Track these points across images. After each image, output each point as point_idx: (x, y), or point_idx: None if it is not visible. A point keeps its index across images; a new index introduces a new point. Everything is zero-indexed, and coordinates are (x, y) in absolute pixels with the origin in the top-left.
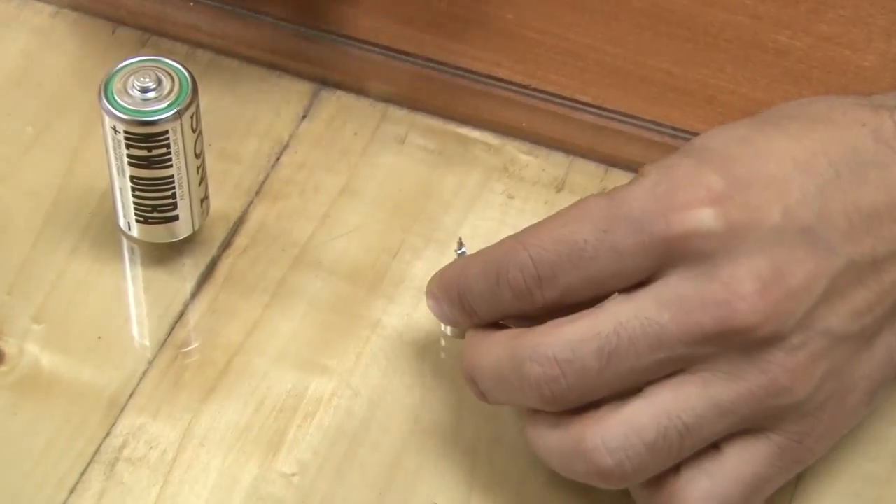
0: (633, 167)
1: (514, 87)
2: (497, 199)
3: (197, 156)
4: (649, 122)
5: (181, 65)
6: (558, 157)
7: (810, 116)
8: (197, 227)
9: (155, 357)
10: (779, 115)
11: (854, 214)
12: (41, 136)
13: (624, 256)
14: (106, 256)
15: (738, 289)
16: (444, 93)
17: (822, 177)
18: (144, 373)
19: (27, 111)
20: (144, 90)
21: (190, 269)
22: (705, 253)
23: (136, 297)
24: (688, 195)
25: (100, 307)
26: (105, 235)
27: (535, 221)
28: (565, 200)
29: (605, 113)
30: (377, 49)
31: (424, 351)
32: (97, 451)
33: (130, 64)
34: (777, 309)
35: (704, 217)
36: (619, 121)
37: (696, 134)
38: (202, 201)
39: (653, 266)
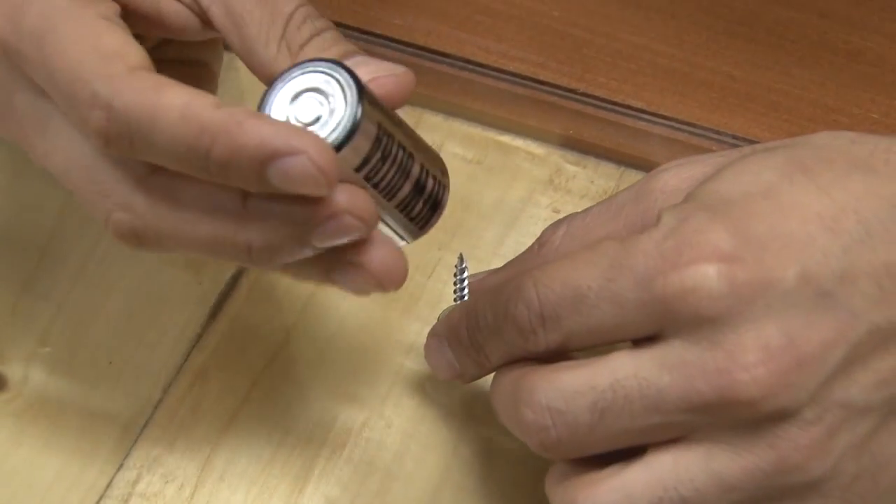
0: None
1: (560, 91)
2: (542, 214)
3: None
4: (708, 129)
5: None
6: (608, 168)
7: (849, 162)
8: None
9: (171, 383)
10: (816, 156)
11: (884, 277)
12: None
13: (625, 310)
14: (115, 275)
15: (741, 358)
16: (484, 97)
17: (849, 236)
18: (160, 401)
19: None
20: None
21: (208, 286)
22: (708, 316)
23: (149, 318)
24: (693, 253)
25: (110, 329)
26: (114, 253)
27: None
28: None
29: (659, 120)
30: (409, 49)
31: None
32: (109, 485)
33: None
34: (785, 381)
35: (706, 278)
36: (675, 128)
37: (756, 142)
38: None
39: (655, 324)
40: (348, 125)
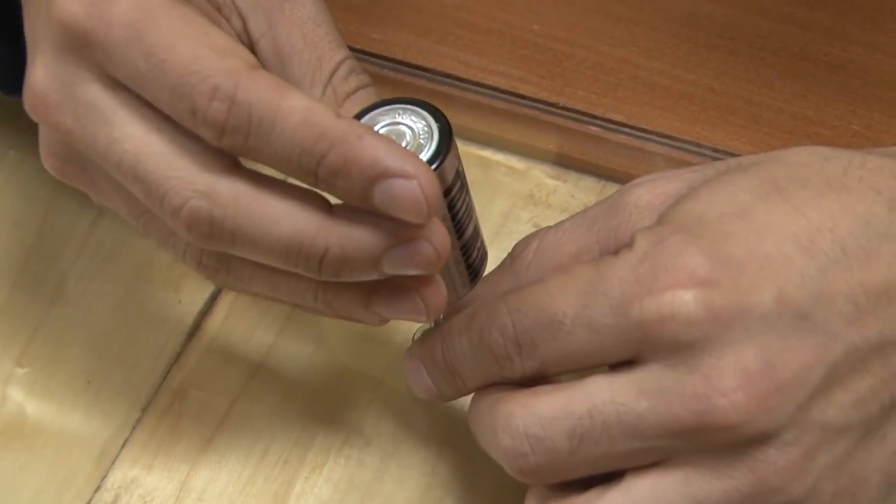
0: None
1: (540, 106)
2: (522, 229)
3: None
4: (688, 142)
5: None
6: (589, 182)
7: (823, 180)
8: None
9: (149, 403)
10: (790, 175)
11: (860, 295)
12: (24, 162)
13: (602, 336)
14: (94, 293)
15: (719, 383)
16: (464, 111)
17: (825, 256)
18: (138, 420)
19: (8, 133)
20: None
21: (187, 305)
22: (686, 341)
23: (127, 338)
24: (669, 278)
25: (89, 348)
26: (93, 271)
27: None
28: None
29: (639, 133)
30: (389, 63)
31: None
32: None
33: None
34: (764, 405)
35: (683, 302)
36: (656, 142)
37: (737, 155)
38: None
39: (632, 348)
40: (443, 149)
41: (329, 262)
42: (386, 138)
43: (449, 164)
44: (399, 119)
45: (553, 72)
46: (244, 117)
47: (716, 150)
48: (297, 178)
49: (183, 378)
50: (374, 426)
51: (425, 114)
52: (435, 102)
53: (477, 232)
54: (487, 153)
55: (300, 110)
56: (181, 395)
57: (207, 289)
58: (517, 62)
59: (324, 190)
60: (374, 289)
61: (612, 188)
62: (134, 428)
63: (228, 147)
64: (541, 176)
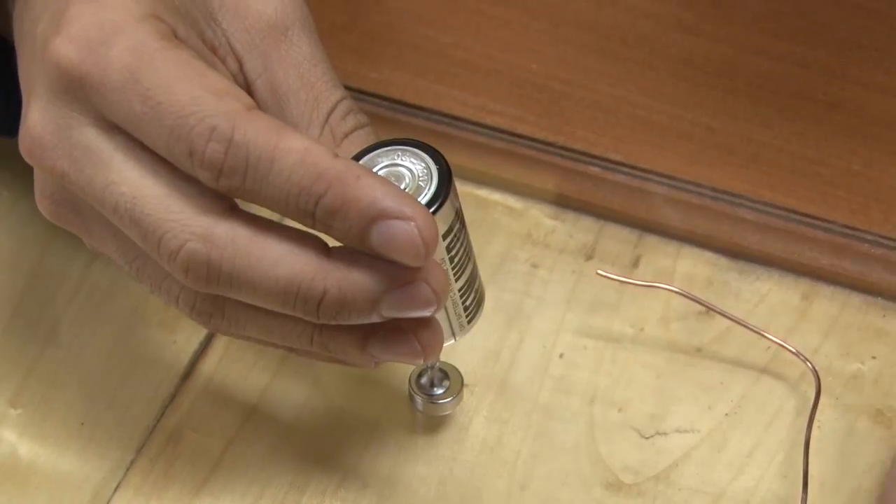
0: (669, 233)
1: (538, 145)
2: (520, 269)
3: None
4: (687, 182)
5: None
6: (587, 222)
7: None
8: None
9: (143, 445)
10: None
11: None
12: (17, 204)
13: None
14: (88, 335)
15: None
16: (461, 151)
17: None
18: (132, 462)
19: (3, 175)
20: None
21: (182, 345)
22: None
23: (121, 379)
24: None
25: (82, 390)
26: (87, 313)
27: (562, 293)
28: (595, 269)
29: (638, 173)
30: (385, 102)
31: (442, 437)
32: None
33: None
34: None
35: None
36: (654, 181)
37: (738, 196)
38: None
39: None
40: (442, 191)
41: (327, 304)
42: (384, 179)
43: (448, 206)
44: (398, 161)
45: (551, 111)
46: (241, 158)
47: (715, 190)
48: (294, 219)
49: (177, 420)
50: (370, 469)
51: (425, 155)
52: (432, 142)
53: (475, 273)
54: (485, 192)
55: (298, 151)
56: (175, 437)
57: (202, 330)
58: (515, 101)
59: (321, 231)
60: (371, 331)
61: (610, 228)
62: (128, 470)
63: (226, 189)
64: (539, 216)
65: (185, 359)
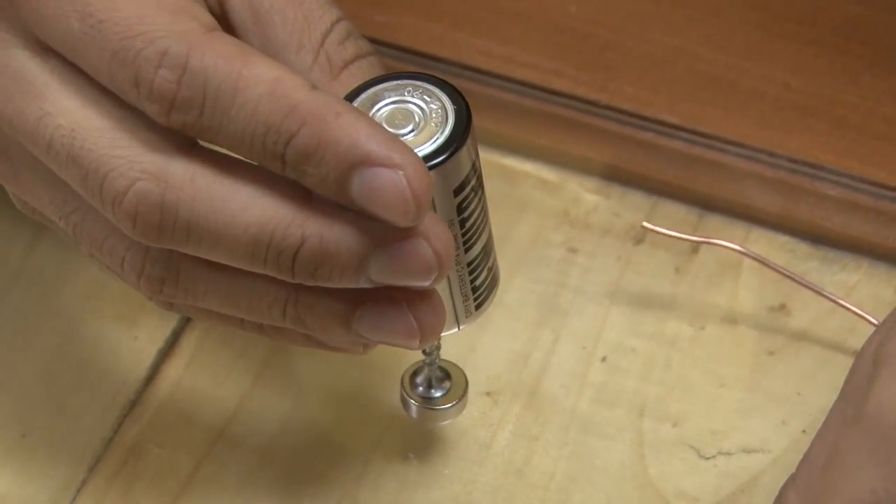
0: (736, 212)
1: (577, 104)
2: (555, 254)
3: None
4: (759, 150)
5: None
6: (637, 199)
7: None
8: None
9: (97, 462)
10: None
11: None
12: None
13: None
14: (30, 329)
15: None
16: (485, 111)
17: None
18: (83, 482)
19: None
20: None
21: (144, 342)
22: None
23: (71, 383)
24: None
25: (24, 395)
26: (29, 303)
27: (605, 283)
28: (646, 256)
29: (699, 139)
30: (393, 51)
31: (458, 456)
32: None
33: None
34: None
35: None
36: (719, 149)
37: (820, 168)
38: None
39: None
40: (459, 136)
41: (305, 256)
42: (369, 118)
43: (464, 155)
44: (408, 97)
45: (594, 64)
46: (198, 89)
47: (792, 160)
48: (261, 162)
49: (138, 432)
50: (372, 490)
51: (440, 93)
52: None
53: (489, 248)
54: (513, 162)
55: (266, 80)
56: (136, 452)
57: (168, 325)
58: (550, 51)
59: (294, 178)
60: (357, 302)
61: (665, 206)
62: (78, 491)
63: (179, 125)
64: (578, 190)
65: (148, 359)
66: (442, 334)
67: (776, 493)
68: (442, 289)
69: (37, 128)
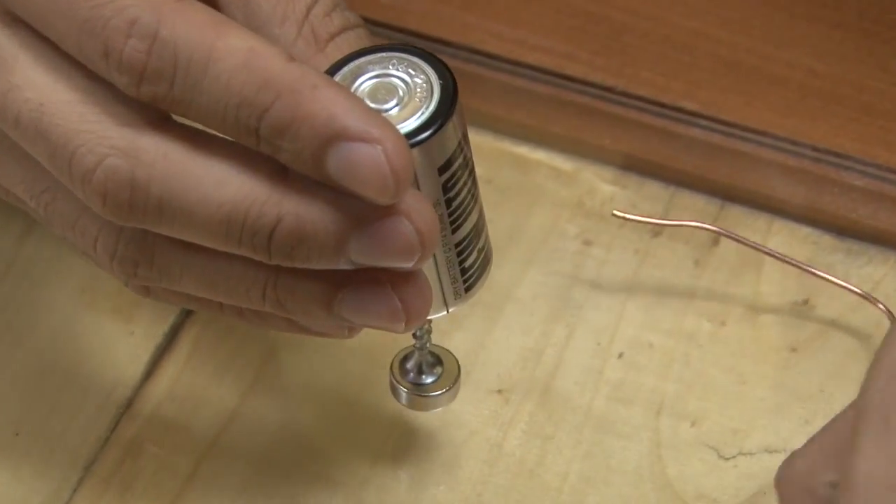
0: (758, 202)
1: (592, 90)
2: (570, 246)
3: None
4: (782, 139)
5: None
6: (655, 189)
7: None
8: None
9: (93, 461)
10: None
11: None
12: None
13: None
14: (23, 323)
15: None
16: (496, 97)
17: None
18: (80, 481)
19: None
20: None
21: (141, 337)
22: None
23: (66, 379)
24: None
25: (17, 392)
26: (21, 297)
27: (622, 277)
28: (663, 248)
29: (719, 127)
30: (400, 34)
31: (468, 455)
32: None
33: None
34: None
35: None
36: (740, 137)
37: (846, 157)
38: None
39: None
40: (444, 112)
41: (282, 235)
42: (348, 92)
43: (449, 132)
44: (392, 71)
45: (610, 48)
46: (168, 59)
47: (816, 149)
48: (234, 137)
49: (136, 431)
50: (378, 493)
51: (426, 67)
52: (459, 85)
53: (479, 229)
54: (525, 150)
55: (240, 51)
56: (134, 451)
57: (166, 320)
58: (564, 35)
59: (268, 153)
60: (340, 283)
61: (683, 195)
62: (74, 492)
63: (149, 97)
64: (594, 180)
65: (145, 355)
66: (430, 317)
67: None
68: (429, 270)
69: (4, 102)
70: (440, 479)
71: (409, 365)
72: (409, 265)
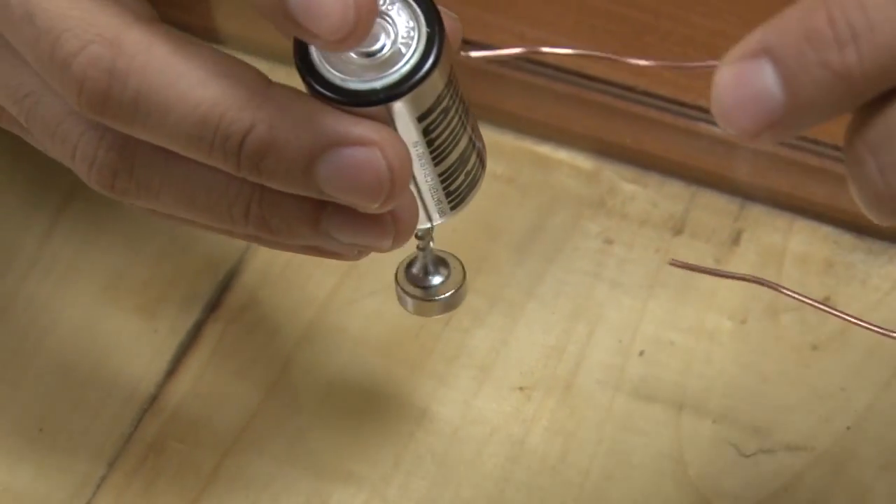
0: (779, 201)
1: (614, 90)
2: (591, 245)
3: None
4: (803, 139)
5: None
6: (676, 187)
7: None
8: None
9: (117, 457)
10: None
11: None
12: None
13: None
14: (47, 320)
15: None
16: (517, 97)
17: None
18: (102, 479)
19: None
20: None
21: (165, 334)
22: None
23: (90, 376)
24: None
25: (41, 388)
26: (46, 293)
27: (643, 275)
28: (685, 247)
29: None
30: None
31: (490, 451)
32: None
33: None
34: None
35: None
36: None
37: None
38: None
39: None
40: (426, 61)
41: (252, 144)
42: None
43: (433, 82)
44: (385, 8)
45: (631, 48)
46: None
47: (837, 148)
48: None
49: (159, 428)
50: (401, 489)
51: (415, 7)
52: (481, 85)
53: (465, 158)
54: (547, 150)
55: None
56: (157, 448)
57: (191, 315)
58: (585, 35)
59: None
60: (325, 200)
61: (704, 194)
62: (98, 487)
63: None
64: (614, 178)
65: (169, 352)
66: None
67: (821, 492)
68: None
69: None
70: (463, 475)
71: (415, 269)
72: (375, 204)
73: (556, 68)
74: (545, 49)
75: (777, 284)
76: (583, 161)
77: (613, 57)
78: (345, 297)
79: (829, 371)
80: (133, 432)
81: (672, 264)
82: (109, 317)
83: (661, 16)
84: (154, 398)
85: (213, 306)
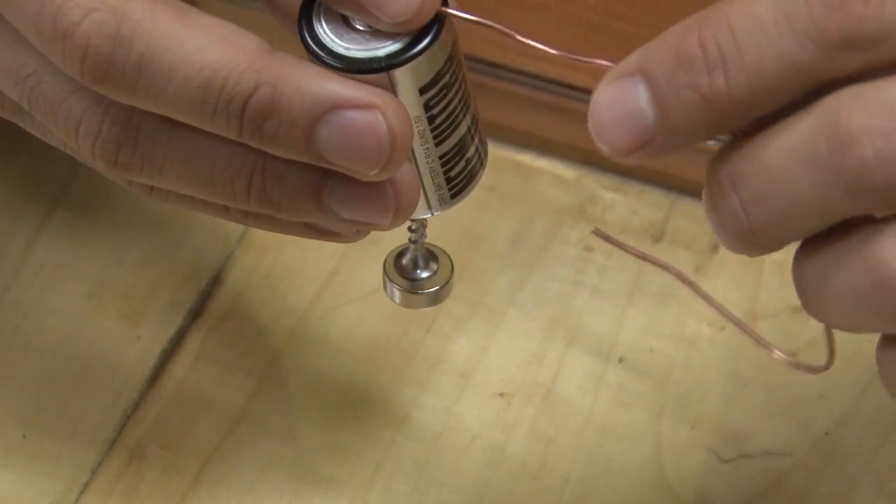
0: None
1: None
2: (571, 253)
3: None
4: None
5: None
6: (655, 195)
7: None
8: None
9: (100, 464)
10: None
11: None
12: None
13: None
14: (31, 327)
15: None
16: (498, 105)
17: None
18: (86, 484)
19: None
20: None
21: (148, 341)
22: None
23: (73, 382)
24: None
25: (24, 395)
26: (29, 300)
27: (623, 282)
28: (665, 255)
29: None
30: None
31: (471, 458)
32: None
33: None
34: None
35: None
36: None
37: None
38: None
39: None
40: (433, 26)
41: (256, 105)
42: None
43: (434, 54)
44: None
45: (612, 57)
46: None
47: None
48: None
49: (142, 433)
50: (383, 495)
51: None
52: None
53: (466, 142)
54: (528, 158)
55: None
56: (140, 454)
57: (174, 322)
58: (566, 44)
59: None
60: (329, 170)
61: (684, 202)
62: (81, 493)
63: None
64: (595, 187)
65: (152, 359)
66: (416, 217)
67: (800, 497)
68: (397, 168)
69: None
70: (444, 481)
71: (404, 261)
72: (375, 170)
73: (537, 77)
74: (520, 38)
75: (695, 284)
76: (563, 169)
77: (588, 59)
78: (327, 305)
79: (808, 377)
80: (116, 438)
81: (594, 233)
82: (93, 324)
83: (641, 25)
84: (137, 405)
85: (196, 314)
